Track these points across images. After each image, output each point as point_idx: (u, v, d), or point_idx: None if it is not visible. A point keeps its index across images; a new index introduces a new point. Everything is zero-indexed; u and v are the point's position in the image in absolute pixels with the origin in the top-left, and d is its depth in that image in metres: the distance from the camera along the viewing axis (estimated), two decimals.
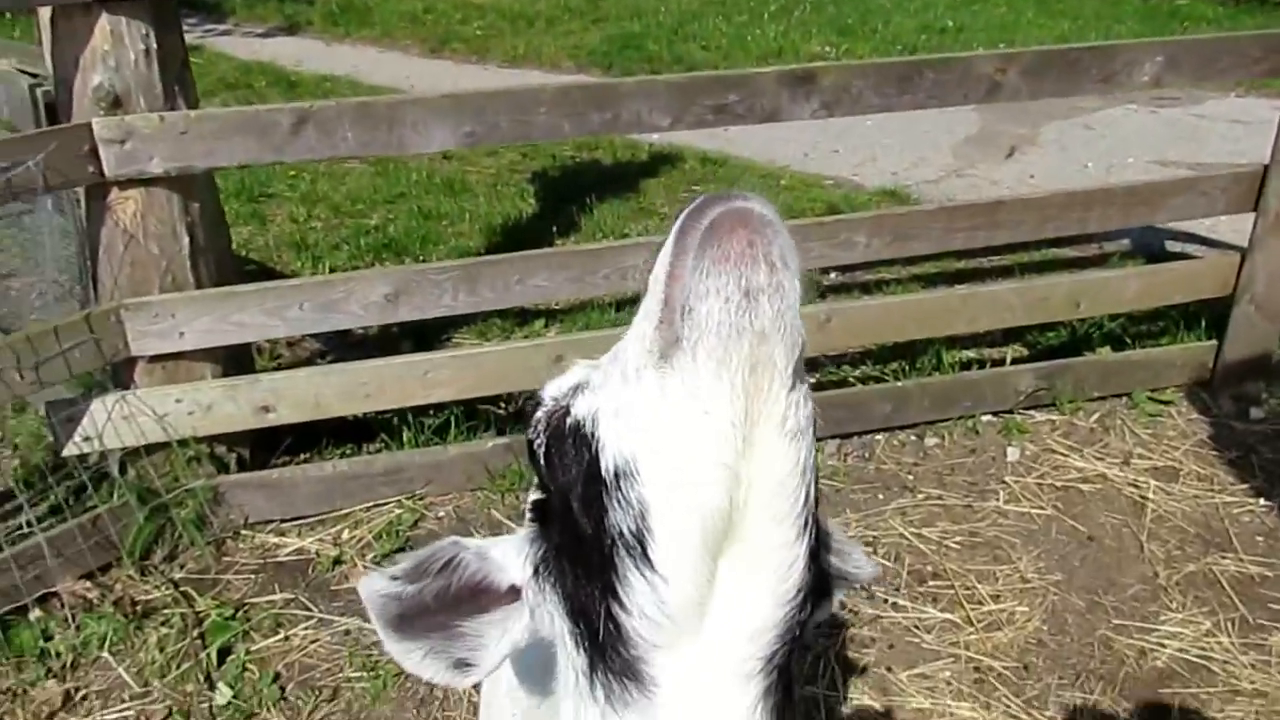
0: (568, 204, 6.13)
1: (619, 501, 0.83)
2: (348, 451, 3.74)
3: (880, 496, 3.61)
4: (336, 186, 6.64)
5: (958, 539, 3.39)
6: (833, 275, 5.03)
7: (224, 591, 3.20)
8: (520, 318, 4.76)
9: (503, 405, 3.94)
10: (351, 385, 3.35)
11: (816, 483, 0.88)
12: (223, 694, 2.82)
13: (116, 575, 3.18)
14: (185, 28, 3.25)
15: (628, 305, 4.53)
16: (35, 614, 3.01)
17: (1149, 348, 4.22)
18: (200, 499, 3.30)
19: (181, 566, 3.28)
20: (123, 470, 3.29)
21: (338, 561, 3.31)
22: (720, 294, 0.74)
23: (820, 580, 0.96)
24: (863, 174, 6.87)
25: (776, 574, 0.86)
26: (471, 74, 10.19)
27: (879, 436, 3.91)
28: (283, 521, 3.46)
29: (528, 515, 1.02)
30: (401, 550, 3.32)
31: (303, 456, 3.70)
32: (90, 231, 3.17)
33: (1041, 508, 3.52)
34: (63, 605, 3.04)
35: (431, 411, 3.75)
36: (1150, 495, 3.54)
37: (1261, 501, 3.51)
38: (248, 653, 2.97)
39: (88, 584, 3.12)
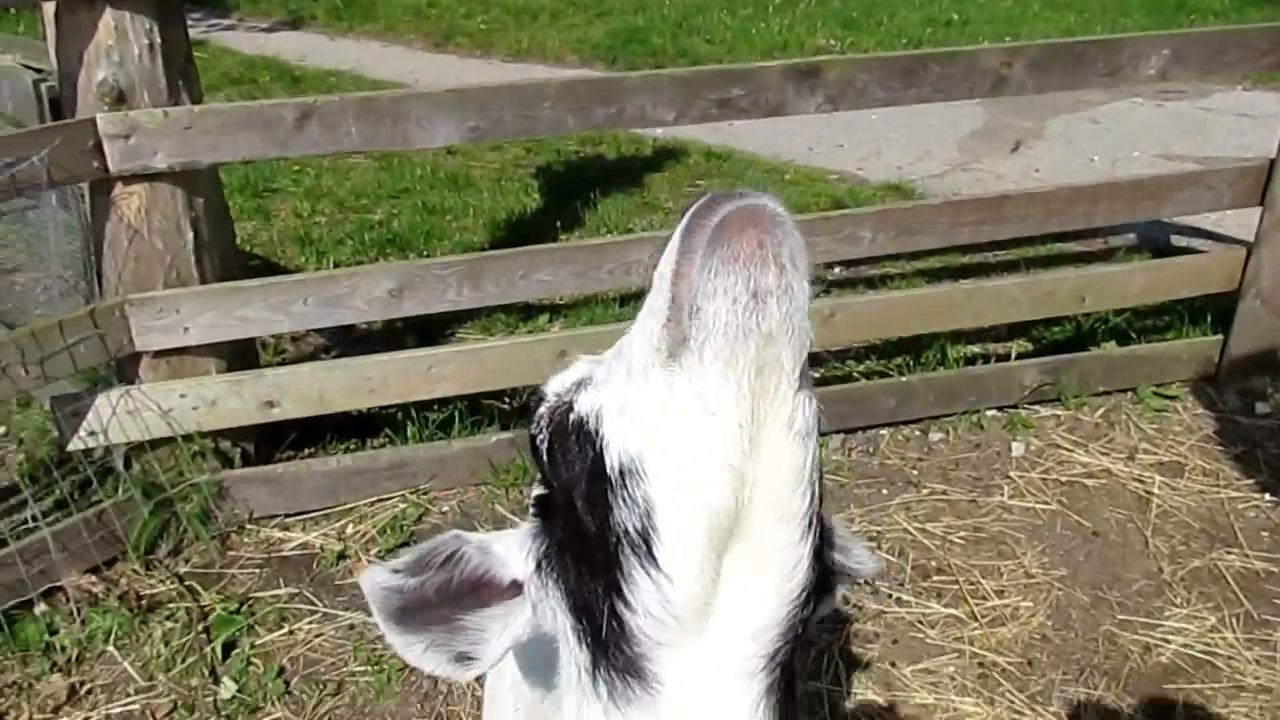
0: (572, 199, 6.12)
1: (624, 499, 0.83)
2: (352, 446, 3.74)
3: (884, 491, 3.61)
4: (341, 181, 6.65)
5: (962, 534, 3.38)
6: (837, 270, 5.02)
7: (229, 586, 3.21)
8: (524, 313, 4.76)
9: (507, 400, 3.94)
10: (356, 380, 3.35)
11: (821, 480, 0.88)
12: (227, 688, 2.82)
13: (121, 569, 3.19)
14: (189, 22, 3.25)
15: (632, 300, 4.53)
16: (40, 608, 3.02)
17: (1154, 342, 4.21)
18: (205, 494, 3.31)
19: (186, 561, 3.29)
20: (128, 465, 3.30)
21: (342, 556, 3.32)
22: (728, 295, 0.74)
23: (823, 577, 0.95)
24: (867, 168, 6.85)
25: (781, 573, 0.86)
26: (476, 68, 10.18)
27: (883, 431, 3.90)
28: (287, 516, 3.47)
29: (530, 510, 1.02)
30: (406, 545, 3.32)
31: (307, 451, 3.70)
32: (94, 227, 3.17)
33: (1046, 503, 3.51)
34: (68, 599, 3.05)
35: (436, 406, 3.75)
36: (1155, 490, 3.53)
37: (1267, 497, 3.50)
38: (252, 647, 2.97)
39: (93, 578, 3.13)
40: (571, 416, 0.92)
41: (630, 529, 0.83)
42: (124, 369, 3.30)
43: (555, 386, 0.98)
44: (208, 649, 2.94)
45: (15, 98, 3.18)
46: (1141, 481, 3.59)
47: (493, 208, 6.12)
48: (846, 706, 2.77)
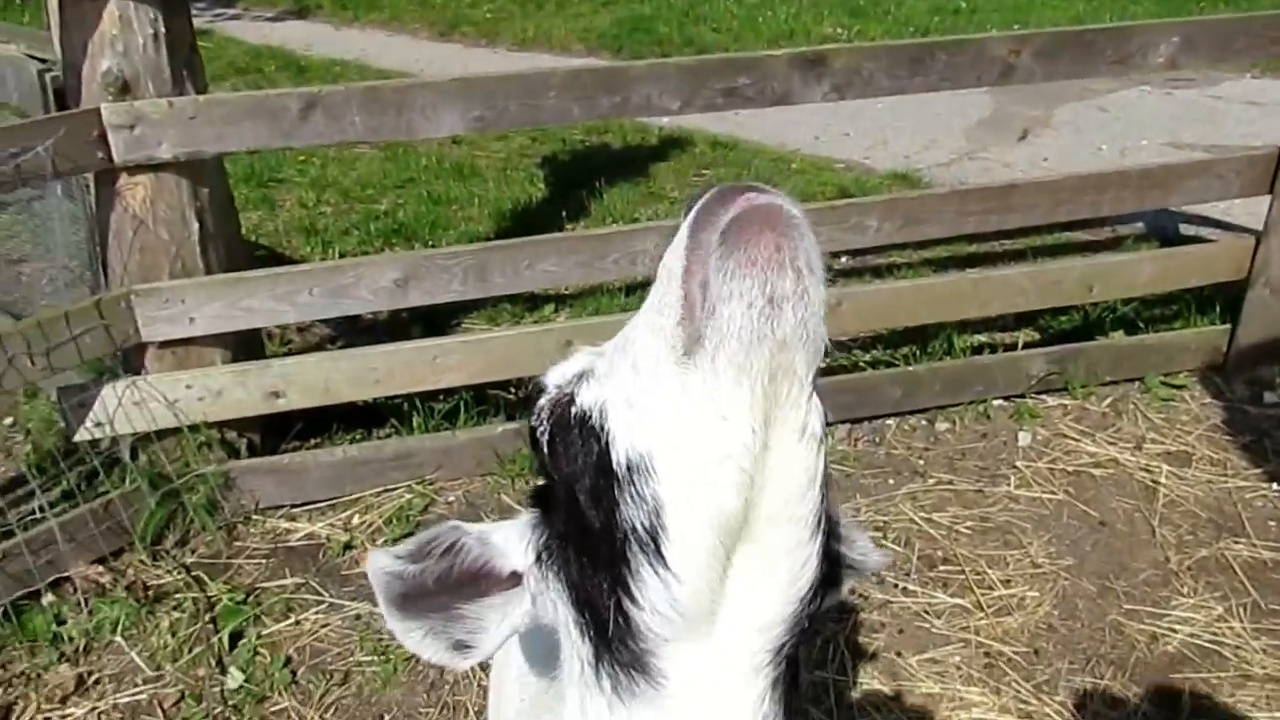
0: (577, 188, 6.11)
1: (632, 496, 0.82)
2: (358, 437, 3.75)
3: (891, 482, 3.60)
4: (346, 171, 6.64)
5: (968, 524, 3.38)
6: (844, 259, 5.00)
7: (235, 576, 3.21)
8: (530, 303, 4.75)
9: (512, 390, 3.94)
10: (361, 370, 3.36)
11: (828, 478, 0.87)
12: (234, 678, 2.83)
13: (128, 560, 3.20)
14: (194, 12, 3.25)
15: (637, 290, 4.53)
16: (48, 598, 3.03)
17: (1162, 332, 4.19)
18: (211, 484, 3.32)
19: (193, 551, 3.30)
20: (134, 455, 3.31)
21: (348, 546, 3.32)
22: (744, 298, 0.73)
23: (830, 572, 0.95)
24: (874, 157, 6.83)
25: (789, 572, 0.86)
26: (481, 58, 10.16)
27: (890, 421, 3.89)
28: (293, 506, 3.48)
29: (529, 501, 1.02)
30: (411, 535, 3.32)
31: (313, 442, 3.71)
32: (100, 217, 3.17)
33: (1053, 492, 3.50)
34: (75, 590, 3.06)
35: (441, 396, 3.75)
36: (1162, 480, 3.52)
37: (1275, 486, 3.48)
38: (259, 637, 2.98)
39: (100, 569, 3.14)
40: (573, 409, 0.91)
41: (638, 526, 0.83)
42: (130, 359, 3.31)
43: (555, 378, 0.97)
44: (215, 639, 2.95)
45: (20, 88, 3.18)
46: (1149, 471, 3.57)
47: (498, 198, 6.11)
48: (852, 696, 2.77)
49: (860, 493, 3.53)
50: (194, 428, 3.26)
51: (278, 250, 5.40)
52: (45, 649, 2.90)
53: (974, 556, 3.23)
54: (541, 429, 0.95)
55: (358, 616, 3.05)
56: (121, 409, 3.16)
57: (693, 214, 0.78)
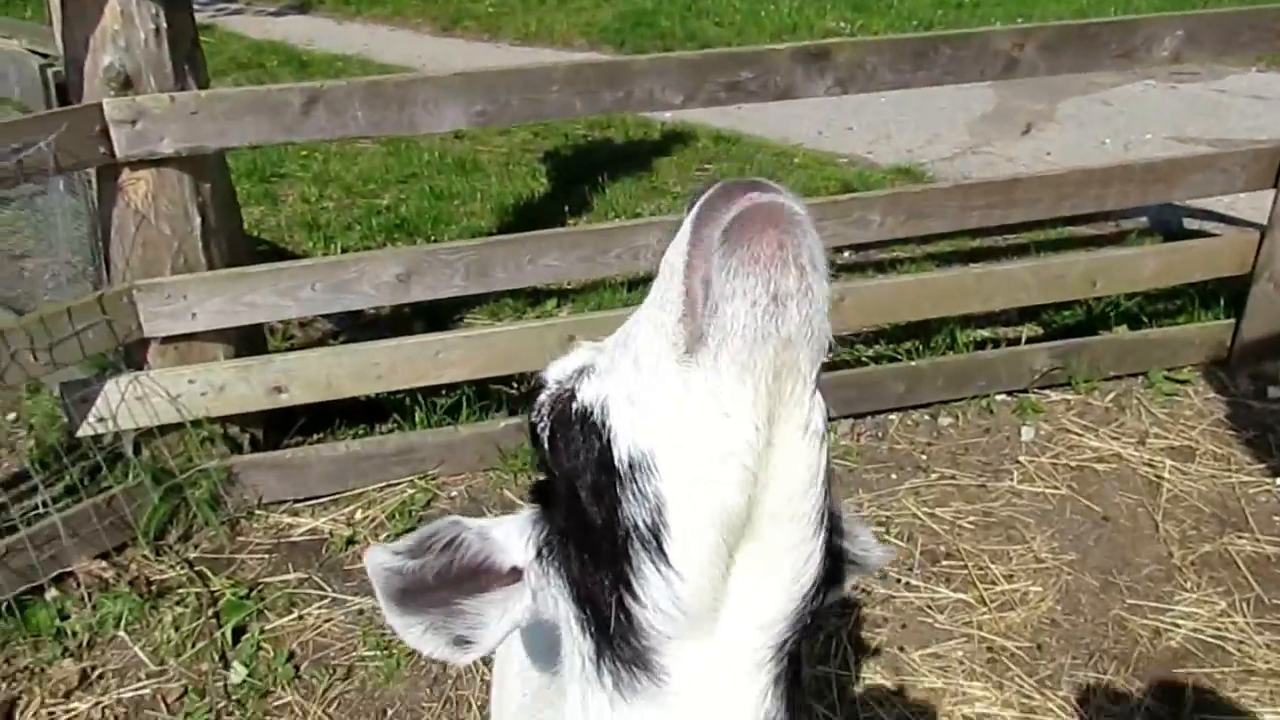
0: (580, 183, 6.10)
1: (634, 494, 0.82)
2: (360, 432, 3.75)
3: (894, 476, 3.60)
4: (348, 166, 6.64)
5: (971, 519, 3.37)
6: (847, 254, 5.00)
7: (238, 571, 3.22)
8: (532, 298, 4.75)
9: (515, 385, 3.94)
10: (364, 366, 3.36)
11: (830, 474, 0.87)
12: (238, 672, 2.84)
13: (132, 555, 3.21)
14: (196, 7, 3.24)
15: (640, 285, 4.52)
16: (52, 593, 3.03)
17: (1166, 326, 4.19)
18: (214, 479, 3.32)
19: (196, 546, 3.30)
20: (137, 451, 3.31)
21: (351, 541, 3.32)
22: (747, 297, 0.72)
23: (833, 569, 0.95)
24: (877, 152, 6.81)
25: (792, 570, 0.86)
26: (483, 52, 10.15)
27: (893, 416, 3.89)
28: (296, 501, 3.48)
29: (529, 497, 1.01)
30: (414, 530, 3.32)
31: (316, 437, 3.71)
32: (102, 212, 3.17)
33: (1056, 487, 3.50)
34: (79, 585, 3.06)
35: (444, 392, 3.75)
36: (1166, 475, 3.52)
37: (1278, 481, 3.48)
38: (262, 632, 2.99)
39: (103, 564, 3.14)
40: (574, 405, 0.90)
41: (640, 523, 0.82)
42: (132, 355, 3.31)
43: (556, 373, 0.96)
44: (218, 634, 2.95)
45: (22, 83, 3.18)
46: (1152, 466, 3.57)
47: (500, 192, 6.11)
48: (855, 691, 2.77)
49: (863, 488, 3.53)
50: (196, 423, 3.27)
51: (280, 245, 5.40)
52: (49, 644, 2.91)
53: (977, 551, 3.23)
54: (542, 425, 0.94)
55: (360, 611, 3.06)
56: (124, 404, 3.16)
57: (695, 210, 0.77)
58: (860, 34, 9.29)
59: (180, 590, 3.10)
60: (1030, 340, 4.19)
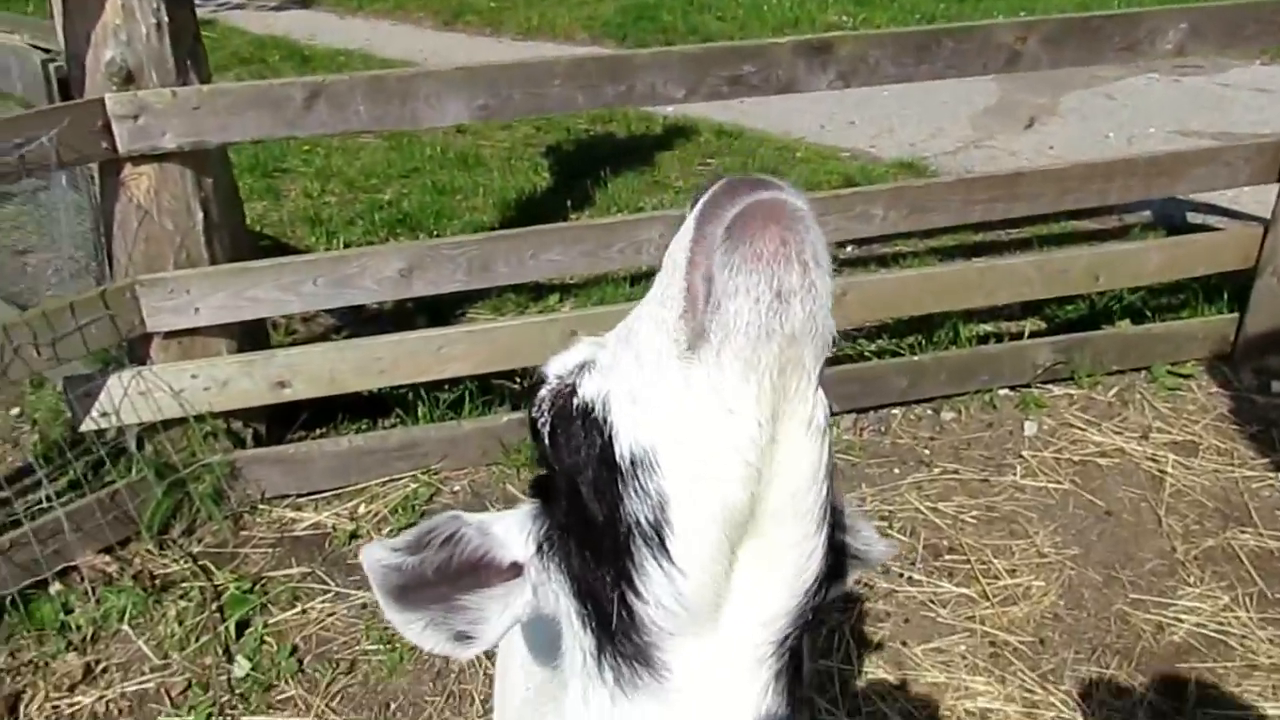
0: (582, 178, 6.10)
1: (636, 491, 0.82)
2: (363, 426, 3.75)
3: (896, 471, 3.60)
4: (351, 161, 6.63)
5: (974, 513, 3.37)
6: (849, 248, 4.99)
7: (242, 565, 3.22)
8: (535, 292, 4.75)
9: (517, 380, 3.93)
10: (366, 360, 3.36)
11: (833, 469, 0.87)
12: (241, 666, 2.84)
13: (135, 549, 3.21)
14: (197, 1, 3.24)
15: (642, 280, 4.52)
16: (55, 588, 3.04)
17: (1169, 321, 4.18)
18: (217, 474, 3.32)
19: (199, 541, 3.31)
20: (140, 445, 3.32)
21: (354, 536, 3.33)
22: (750, 293, 0.72)
23: (836, 564, 0.95)
24: (880, 146, 6.80)
25: (795, 566, 0.85)
26: (485, 46, 10.14)
27: (895, 411, 3.89)
28: (299, 496, 3.48)
29: (529, 491, 1.01)
30: (414, 526, 3.33)
31: (318, 432, 3.71)
32: (104, 207, 3.17)
33: (1059, 482, 3.50)
34: (82, 579, 3.07)
35: (446, 386, 3.75)
36: (1169, 470, 3.51)
37: None
38: (265, 625, 2.99)
39: (107, 558, 3.15)
40: (575, 401, 0.90)
41: (642, 520, 0.82)
42: (135, 350, 3.31)
43: (556, 368, 0.96)
44: (221, 628, 2.96)
45: (24, 78, 3.18)
46: (1155, 461, 3.57)
47: (502, 187, 6.10)
48: (857, 685, 2.77)
49: (866, 482, 3.53)
50: (200, 418, 3.27)
51: (282, 240, 5.40)
52: (53, 637, 2.91)
53: (979, 546, 3.23)
54: (543, 420, 0.94)
55: (364, 605, 3.06)
56: (127, 399, 3.17)
57: (698, 207, 0.77)
58: (862, 27, 9.28)
59: (184, 584, 3.10)
60: (1033, 335, 4.19)
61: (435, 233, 5.39)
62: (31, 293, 4.51)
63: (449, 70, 3.11)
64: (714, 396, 0.76)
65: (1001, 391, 3.95)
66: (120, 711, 2.74)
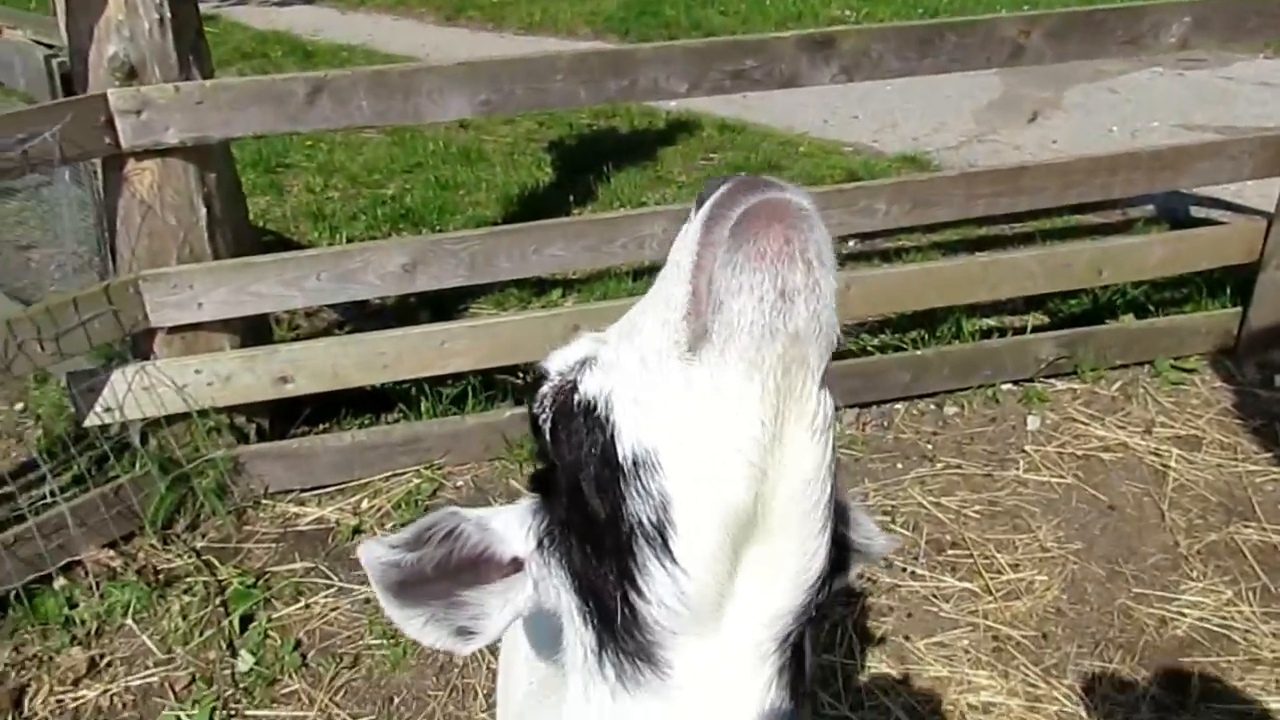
0: (584, 173, 6.09)
1: (638, 491, 0.82)
2: (366, 421, 3.75)
3: (899, 466, 3.60)
4: (353, 156, 6.63)
5: (977, 508, 3.37)
6: (852, 243, 4.98)
7: (245, 560, 3.23)
8: (537, 288, 4.75)
9: (520, 375, 3.94)
10: (369, 355, 3.36)
11: (836, 464, 0.87)
12: (245, 661, 2.85)
13: (139, 544, 3.22)
14: None
15: (645, 275, 4.52)
16: (60, 582, 3.05)
17: (1172, 315, 4.17)
18: (221, 469, 3.33)
19: (203, 535, 3.32)
20: (144, 440, 3.32)
21: (357, 530, 3.33)
22: (754, 292, 0.72)
23: (839, 559, 0.94)
24: (883, 140, 6.79)
25: (798, 564, 0.85)
26: (487, 41, 10.13)
27: (898, 405, 3.89)
28: (303, 491, 3.49)
29: (530, 486, 1.01)
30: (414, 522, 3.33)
31: (322, 427, 3.72)
32: (107, 203, 3.18)
33: (1062, 477, 3.50)
34: (86, 574, 3.08)
35: (449, 381, 3.75)
36: (1172, 464, 3.51)
37: None
38: (269, 620, 3.00)
39: (111, 553, 3.15)
40: (577, 398, 0.90)
41: (644, 520, 0.82)
42: (139, 345, 3.32)
43: (558, 364, 0.96)
44: (225, 622, 2.96)
45: (27, 73, 3.18)
46: (1158, 455, 3.56)
47: (505, 182, 6.10)
48: (861, 679, 2.78)
49: (869, 477, 3.53)
50: (203, 413, 3.27)
51: (285, 235, 5.40)
52: (57, 632, 2.92)
53: (982, 540, 3.23)
54: (544, 416, 0.94)
55: (367, 600, 3.07)
56: (131, 394, 3.17)
57: (704, 208, 0.77)
58: (866, 21, 9.26)
59: (188, 579, 3.11)
60: (1036, 329, 4.18)
61: (438, 228, 5.39)
62: (35, 288, 4.52)
63: (451, 65, 3.11)
64: (717, 396, 0.76)
65: (1004, 386, 3.94)
66: (124, 706, 2.75)
